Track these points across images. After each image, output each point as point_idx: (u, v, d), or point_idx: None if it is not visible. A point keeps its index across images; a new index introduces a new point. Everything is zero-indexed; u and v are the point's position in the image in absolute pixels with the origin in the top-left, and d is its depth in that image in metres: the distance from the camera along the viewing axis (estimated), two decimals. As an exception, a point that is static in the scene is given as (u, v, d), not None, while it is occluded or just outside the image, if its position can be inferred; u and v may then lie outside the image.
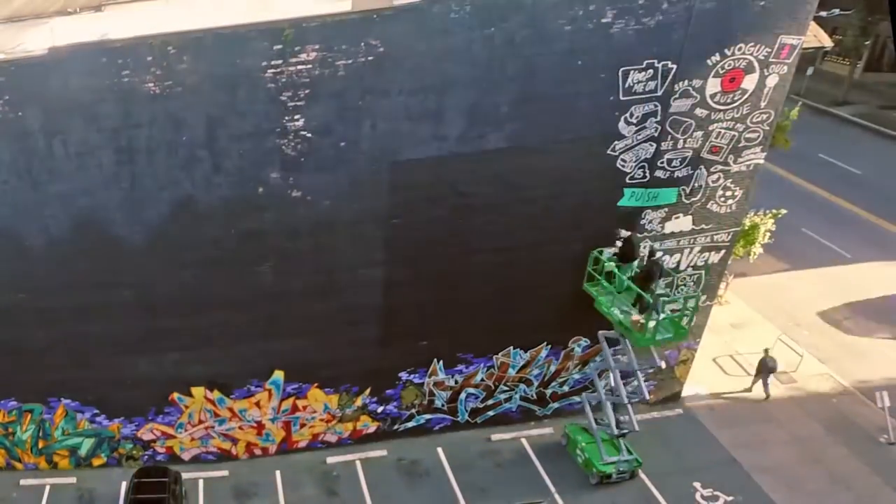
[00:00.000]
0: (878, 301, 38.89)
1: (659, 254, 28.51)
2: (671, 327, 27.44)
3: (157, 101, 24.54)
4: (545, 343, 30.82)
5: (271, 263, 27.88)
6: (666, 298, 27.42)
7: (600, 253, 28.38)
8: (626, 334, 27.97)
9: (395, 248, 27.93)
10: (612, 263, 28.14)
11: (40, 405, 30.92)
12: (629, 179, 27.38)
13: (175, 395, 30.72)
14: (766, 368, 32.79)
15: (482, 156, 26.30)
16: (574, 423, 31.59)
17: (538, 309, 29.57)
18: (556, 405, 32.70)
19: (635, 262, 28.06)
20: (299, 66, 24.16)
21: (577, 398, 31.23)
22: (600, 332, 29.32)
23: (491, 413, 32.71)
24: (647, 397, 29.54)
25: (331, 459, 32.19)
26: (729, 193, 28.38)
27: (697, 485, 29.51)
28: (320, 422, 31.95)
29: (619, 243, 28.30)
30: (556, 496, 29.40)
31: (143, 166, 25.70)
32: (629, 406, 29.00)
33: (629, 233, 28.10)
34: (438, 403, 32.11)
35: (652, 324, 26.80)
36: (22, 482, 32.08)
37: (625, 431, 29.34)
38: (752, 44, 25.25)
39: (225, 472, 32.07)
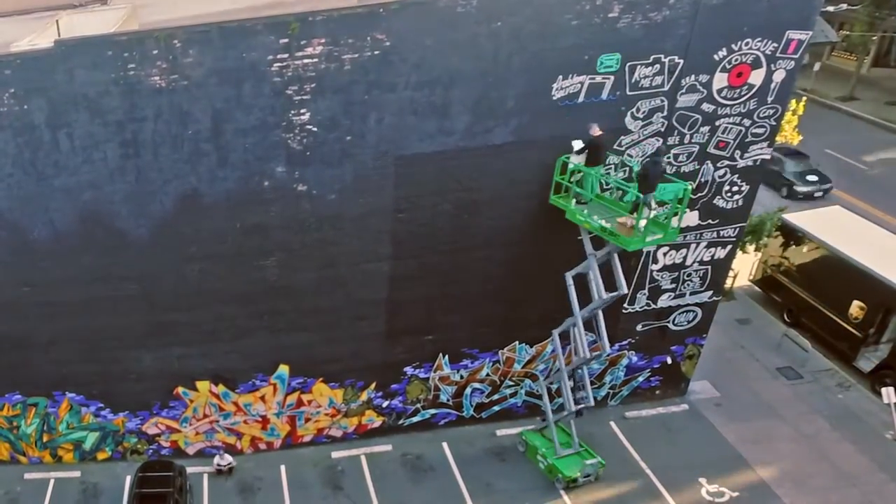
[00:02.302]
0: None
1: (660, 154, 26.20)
2: (658, 228, 25.53)
3: (163, 95, 24.51)
4: (551, 338, 30.70)
5: (276, 257, 27.86)
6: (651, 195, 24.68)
7: (567, 159, 26.15)
8: (611, 240, 25.56)
9: (400, 243, 27.89)
10: (583, 166, 26.00)
11: (45, 399, 30.97)
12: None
13: (180, 390, 30.74)
14: None
15: (488, 150, 26.25)
16: (530, 430, 31.59)
17: (544, 304, 29.49)
18: (561, 400, 32.59)
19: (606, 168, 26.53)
20: (305, 60, 24.12)
21: (581, 392, 31.09)
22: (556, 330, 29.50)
23: (496, 408, 32.68)
24: (608, 349, 27.74)
25: (336, 454, 32.20)
26: (735, 189, 28.31)
27: (703, 480, 29.45)
28: (325, 416, 31.95)
29: (578, 145, 25.89)
30: (562, 491, 29.38)
31: (148, 160, 25.69)
32: (585, 374, 28.97)
33: (600, 132, 25.48)
34: (444, 398, 32.09)
35: (643, 222, 24.72)
36: (26, 476, 32.21)
37: (581, 406, 29.09)
38: (759, 39, 25.17)
39: (229, 467, 32.12)
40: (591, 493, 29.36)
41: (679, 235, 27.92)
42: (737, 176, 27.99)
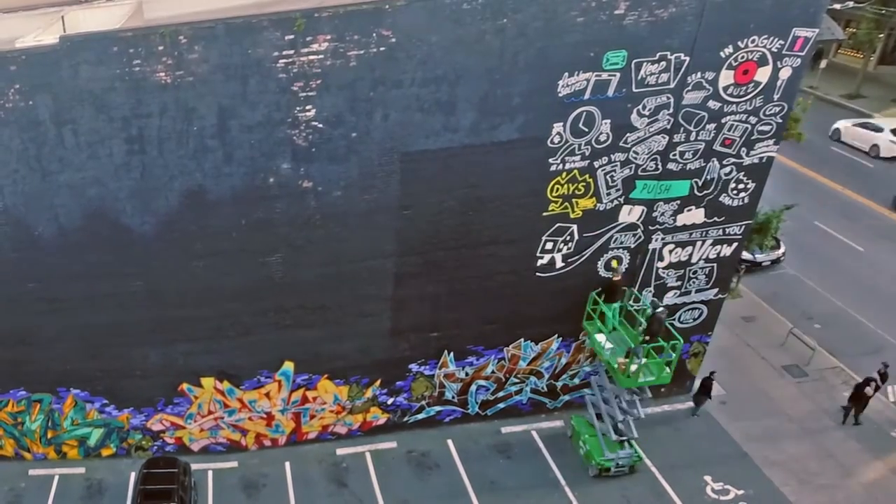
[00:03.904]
0: (890, 294, 38.66)
1: (660, 309, 27.80)
2: (655, 370, 27.81)
3: (168, 91, 24.47)
4: (556, 335, 30.72)
5: (281, 254, 27.83)
6: (647, 345, 27.32)
7: (599, 295, 29.24)
8: (612, 374, 28.68)
9: (405, 240, 27.86)
10: (603, 304, 29.08)
11: (49, 395, 30.99)
12: (641, 171, 27.28)
13: (185, 386, 30.74)
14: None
15: (493, 147, 26.19)
16: (580, 416, 31.63)
17: (549, 301, 29.48)
18: (566, 398, 32.64)
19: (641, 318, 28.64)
20: (311, 57, 24.06)
21: (587, 390, 31.12)
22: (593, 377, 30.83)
23: (501, 405, 32.66)
24: (642, 416, 29.39)
25: (340, 451, 32.22)
26: (741, 186, 28.23)
27: (708, 478, 29.45)
28: (330, 413, 31.94)
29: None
30: (566, 489, 29.36)
31: (153, 156, 25.66)
32: (631, 423, 29.24)
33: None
34: (449, 395, 32.08)
35: (634, 367, 27.31)
36: (31, 472, 32.25)
37: (623, 439, 29.42)
38: (765, 36, 25.07)
39: (234, 464, 32.15)
40: (596, 490, 29.35)
41: (685, 233, 28.09)
42: (743, 173, 27.91)
